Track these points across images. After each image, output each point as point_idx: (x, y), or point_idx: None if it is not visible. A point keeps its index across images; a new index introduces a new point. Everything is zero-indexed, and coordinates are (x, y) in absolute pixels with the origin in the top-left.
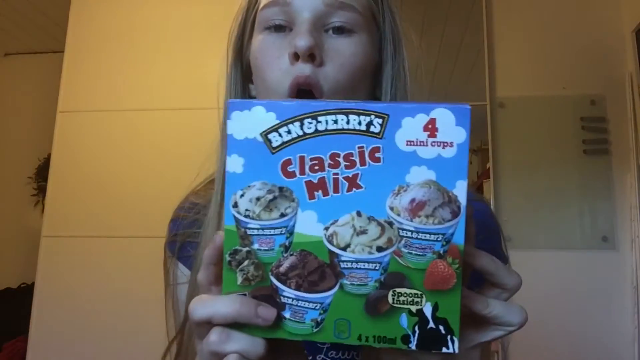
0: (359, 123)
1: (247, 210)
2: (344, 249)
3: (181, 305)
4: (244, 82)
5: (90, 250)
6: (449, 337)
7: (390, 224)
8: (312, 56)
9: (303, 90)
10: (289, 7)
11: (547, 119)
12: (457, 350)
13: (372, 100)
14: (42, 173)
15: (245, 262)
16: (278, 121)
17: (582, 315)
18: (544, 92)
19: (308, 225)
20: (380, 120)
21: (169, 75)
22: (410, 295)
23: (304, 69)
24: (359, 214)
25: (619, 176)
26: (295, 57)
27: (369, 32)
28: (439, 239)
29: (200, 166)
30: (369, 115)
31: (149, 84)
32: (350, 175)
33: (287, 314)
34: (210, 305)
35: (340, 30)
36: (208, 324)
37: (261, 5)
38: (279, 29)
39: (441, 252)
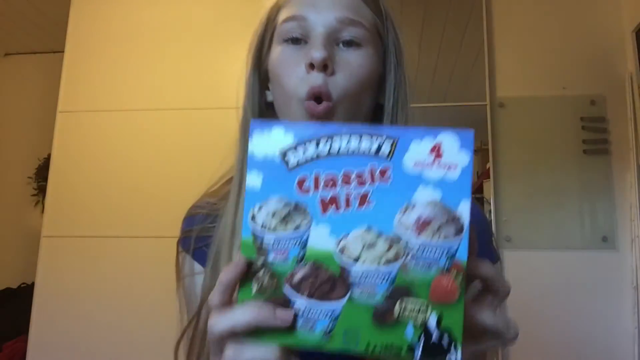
0: (371, 145)
1: (263, 223)
2: (354, 261)
3: (194, 297)
4: (261, 88)
5: (90, 250)
6: (452, 345)
7: (398, 239)
8: (325, 66)
9: (317, 97)
10: (306, 22)
11: (547, 119)
12: (459, 359)
13: (376, 105)
14: (42, 173)
15: (261, 272)
16: (295, 141)
17: (582, 315)
18: (544, 92)
19: (321, 238)
20: (390, 143)
21: (169, 75)
22: (416, 306)
23: (317, 78)
24: (369, 229)
25: (619, 176)
26: (311, 66)
27: (375, 46)
28: (443, 255)
29: (214, 170)
30: (380, 137)
31: (149, 84)
32: (361, 193)
33: (298, 323)
34: (230, 317)
35: (349, 44)
36: (227, 337)
37: (280, 20)
38: (296, 41)
39: (445, 267)
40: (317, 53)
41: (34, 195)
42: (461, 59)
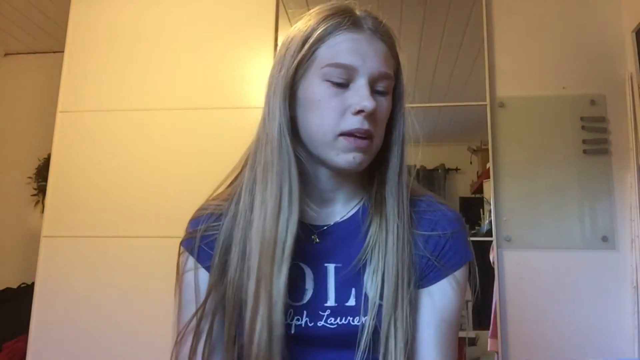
0: None
1: None
2: None
3: (196, 292)
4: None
5: (90, 250)
6: None
7: None
8: (371, 114)
9: (359, 137)
10: (353, 71)
11: (547, 119)
12: None
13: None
14: (42, 173)
15: None
16: None
17: (582, 315)
18: (544, 92)
19: None
20: None
21: (168, 74)
22: None
23: (363, 122)
24: None
25: (619, 176)
26: (359, 112)
27: (392, 90)
28: None
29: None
30: None
31: (149, 83)
32: None
33: None
34: None
35: (380, 93)
36: None
37: (327, 62)
38: (339, 84)
39: None
40: (369, 103)
41: (34, 195)
42: (461, 59)
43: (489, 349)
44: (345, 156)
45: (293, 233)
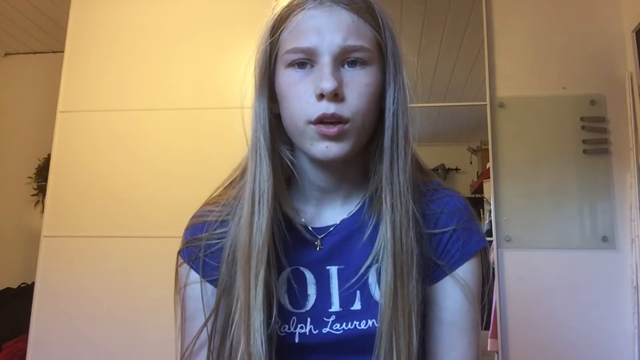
0: None
1: None
2: None
3: (198, 305)
4: (268, 104)
5: (90, 250)
6: None
7: None
8: (335, 95)
9: (328, 122)
10: (311, 51)
11: (547, 119)
12: None
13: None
14: (42, 173)
15: None
16: None
17: (582, 315)
18: (544, 92)
19: None
20: None
21: (169, 74)
22: None
23: (329, 106)
24: None
25: (619, 176)
26: (321, 96)
27: (377, 61)
28: None
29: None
30: None
31: (148, 83)
32: None
33: None
34: None
35: (354, 63)
36: None
37: (287, 49)
38: (302, 65)
39: None
40: (327, 84)
41: (34, 195)
42: (461, 59)
43: (489, 349)
44: (319, 145)
45: (267, 237)
